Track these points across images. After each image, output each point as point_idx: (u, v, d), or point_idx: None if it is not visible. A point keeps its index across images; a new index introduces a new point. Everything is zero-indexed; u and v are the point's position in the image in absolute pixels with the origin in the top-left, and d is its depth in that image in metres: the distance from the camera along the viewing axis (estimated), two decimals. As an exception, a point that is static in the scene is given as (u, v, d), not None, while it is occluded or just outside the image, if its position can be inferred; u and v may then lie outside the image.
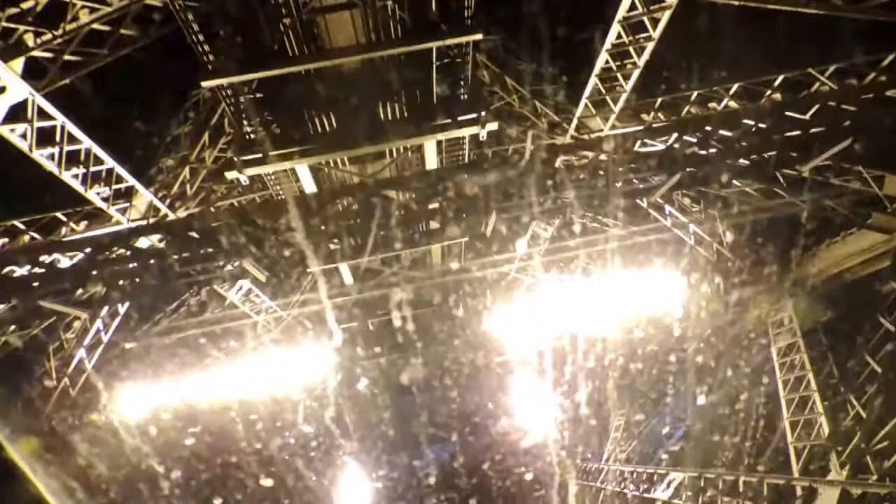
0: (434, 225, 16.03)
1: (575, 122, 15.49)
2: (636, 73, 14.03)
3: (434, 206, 11.22)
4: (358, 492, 31.87)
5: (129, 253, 10.06)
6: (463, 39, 11.81)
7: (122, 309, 16.66)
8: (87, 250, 9.98)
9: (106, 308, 16.34)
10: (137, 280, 9.73)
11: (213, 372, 21.92)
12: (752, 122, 13.04)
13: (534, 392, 28.29)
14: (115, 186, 14.52)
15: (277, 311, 22.33)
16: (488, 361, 26.42)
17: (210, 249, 9.83)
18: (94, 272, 9.81)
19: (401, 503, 33.63)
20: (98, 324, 16.51)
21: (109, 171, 14.30)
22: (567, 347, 23.90)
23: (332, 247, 11.39)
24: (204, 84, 11.51)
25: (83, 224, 15.14)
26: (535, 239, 20.16)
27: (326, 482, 30.77)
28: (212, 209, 15.75)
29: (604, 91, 14.76)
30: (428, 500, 32.14)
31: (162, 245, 10.12)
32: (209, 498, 25.51)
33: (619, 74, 14.35)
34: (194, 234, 9.87)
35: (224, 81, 11.54)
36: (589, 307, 20.93)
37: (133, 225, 14.05)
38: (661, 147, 14.26)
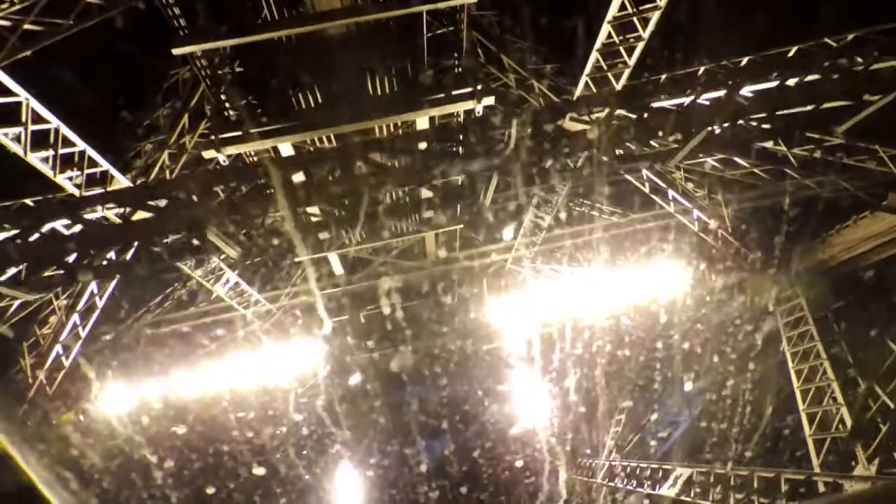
0: (427, 212, 14.58)
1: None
2: (640, 46, 12.54)
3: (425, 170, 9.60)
4: (350, 480, 30.51)
5: (82, 228, 8.47)
6: (455, 3, 10.27)
7: (100, 302, 15.06)
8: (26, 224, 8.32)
9: (83, 301, 14.80)
10: (91, 260, 8.17)
11: (205, 363, 20.52)
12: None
13: (525, 381, 26.98)
14: (88, 171, 12.85)
15: (266, 304, 20.79)
16: (478, 350, 25.02)
17: (170, 221, 8.24)
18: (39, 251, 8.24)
19: (393, 491, 32.35)
20: (75, 317, 14.89)
21: (81, 154, 12.67)
22: (560, 336, 22.60)
23: (313, 218, 9.82)
24: (175, 51, 9.95)
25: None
26: (532, 228, 18.72)
27: (319, 471, 29.43)
28: (173, 175, 13.97)
29: (605, 67, 13.24)
30: (420, 487, 30.88)
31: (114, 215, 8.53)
32: (202, 487, 24.15)
33: (621, 48, 12.84)
34: (153, 203, 8.31)
35: (197, 49, 9.99)
36: (586, 296, 19.58)
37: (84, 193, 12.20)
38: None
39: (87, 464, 17.48)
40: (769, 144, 13.59)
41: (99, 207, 8.65)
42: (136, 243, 8.21)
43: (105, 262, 8.18)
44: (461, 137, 9.33)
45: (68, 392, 16.39)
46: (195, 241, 8.11)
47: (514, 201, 21.56)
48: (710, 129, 8.74)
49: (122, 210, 8.53)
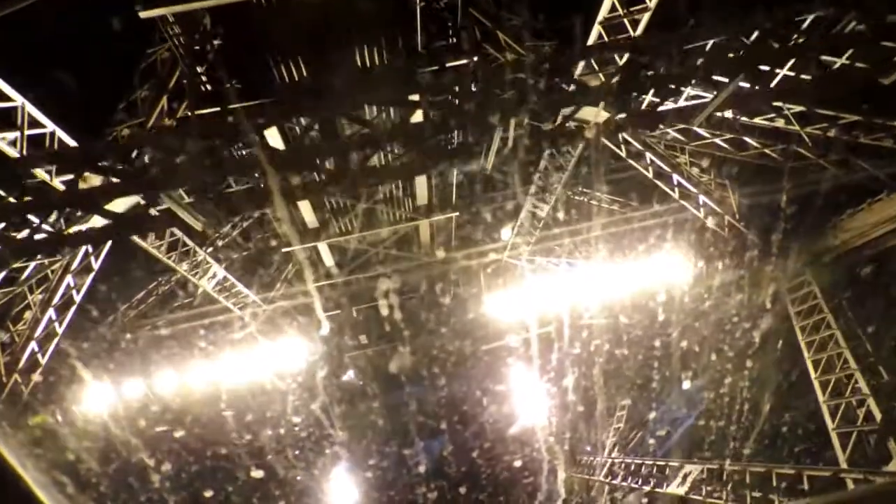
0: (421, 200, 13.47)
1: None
2: (646, 18, 11.43)
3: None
4: (348, 481, 29.32)
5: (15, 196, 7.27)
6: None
7: (77, 296, 13.84)
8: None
9: (59, 295, 13.58)
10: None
11: (195, 364, 19.35)
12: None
13: (524, 380, 25.89)
14: (59, 155, 11.67)
15: (257, 301, 19.59)
16: (477, 350, 23.90)
17: (122, 187, 7.04)
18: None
19: (391, 492, 31.20)
20: (51, 312, 13.66)
21: (52, 136, 11.49)
22: (558, 335, 21.53)
23: (295, 182, 8.62)
24: (143, 14, 8.81)
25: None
26: (531, 219, 17.62)
27: (316, 472, 28.25)
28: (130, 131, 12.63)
29: (609, 41, 12.11)
30: (419, 488, 29.77)
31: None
32: (200, 490, 22.92)
33: (626, 21, 11.73)
34: (103, 165, 7.12)
35: (167, 11, 8.86)
36: (585, 292, 18.51)
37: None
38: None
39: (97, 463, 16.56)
40: (781, 124, 12.55)
41: (40, 171, 7.49)
42: (80, 213, 7.05)
43: (44, 236, 7.02)
44: (456, 89, 8.21)
45: (45, 392, 15.21)
46: (153, 212, 6.96)
47: (511, 200, 20.55)
48: (742, 79, 7.55)
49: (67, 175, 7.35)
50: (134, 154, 7.60)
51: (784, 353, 19.04)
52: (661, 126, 10.46)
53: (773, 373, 19.24)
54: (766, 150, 12.58)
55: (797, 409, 21.72)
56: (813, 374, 12.60)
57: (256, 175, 7.57)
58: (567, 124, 7.94)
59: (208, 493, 23.47)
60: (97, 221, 7.39)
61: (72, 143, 11.80)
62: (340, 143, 7.54)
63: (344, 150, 7.49)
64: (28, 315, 13.80)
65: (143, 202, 6.91)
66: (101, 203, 7.01)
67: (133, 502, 19.61)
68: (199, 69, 10.15)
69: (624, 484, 17.45)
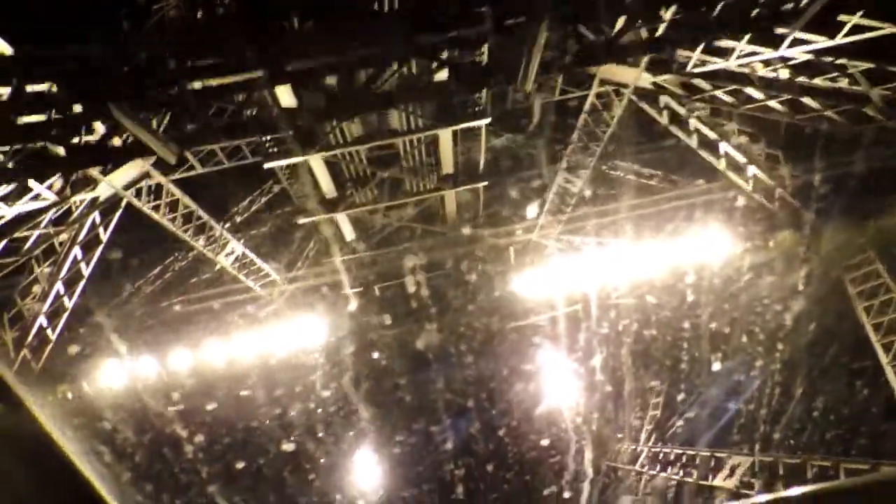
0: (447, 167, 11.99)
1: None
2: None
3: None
4: (375, 457, 28.32)
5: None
6: None
7: (86, 270, 12.63)
8: None
9: (66, 267, 12.39)
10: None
11: (222, 342, 18.22)
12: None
13: (553, 360, 24.53)
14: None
15: (278, 279, 18.33)
16: (504, 328, 22.56)
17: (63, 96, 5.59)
18: None
19: (418, 468, 30.30)
20: (59, 286, 12.46)
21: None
22: (588, 315, 20.14)
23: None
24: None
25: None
26: (563, 195, 16.15)
27: (344, 447, 27.35)
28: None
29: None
30: (446, 465, 28.87)
31: None
32: (231, 462, 22.71)
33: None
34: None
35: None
36: (623, 271, 16.99)
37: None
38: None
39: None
40: (844, 84, 10.86)
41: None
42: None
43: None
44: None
45: (56, 367, 14.20)
46: (115, 142, 5.55)
47: (538, 180, 19.08)
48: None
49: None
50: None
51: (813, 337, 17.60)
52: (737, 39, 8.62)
53: (805, 357, 18.08)
54: (828, 113, 10.82)
55: (828, 394, 20.33)
56: (884, 359, 10.90)
57: (244, 95, 6.11)
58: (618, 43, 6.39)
59: (239, 465, 22.73)
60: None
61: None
62: (346, 55, 6.03)
63: (349, 67, 5.99)
64: (36, 289, 12.65)
65: (103, 128, 5.49)
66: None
67: (164, 474, 18.93)
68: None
69: (672, 475, 15.99)
